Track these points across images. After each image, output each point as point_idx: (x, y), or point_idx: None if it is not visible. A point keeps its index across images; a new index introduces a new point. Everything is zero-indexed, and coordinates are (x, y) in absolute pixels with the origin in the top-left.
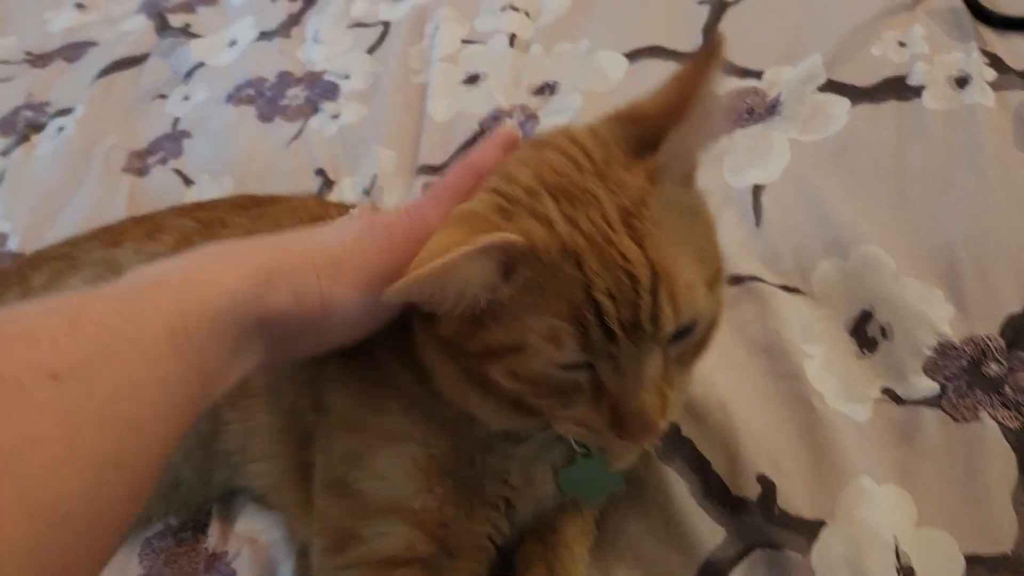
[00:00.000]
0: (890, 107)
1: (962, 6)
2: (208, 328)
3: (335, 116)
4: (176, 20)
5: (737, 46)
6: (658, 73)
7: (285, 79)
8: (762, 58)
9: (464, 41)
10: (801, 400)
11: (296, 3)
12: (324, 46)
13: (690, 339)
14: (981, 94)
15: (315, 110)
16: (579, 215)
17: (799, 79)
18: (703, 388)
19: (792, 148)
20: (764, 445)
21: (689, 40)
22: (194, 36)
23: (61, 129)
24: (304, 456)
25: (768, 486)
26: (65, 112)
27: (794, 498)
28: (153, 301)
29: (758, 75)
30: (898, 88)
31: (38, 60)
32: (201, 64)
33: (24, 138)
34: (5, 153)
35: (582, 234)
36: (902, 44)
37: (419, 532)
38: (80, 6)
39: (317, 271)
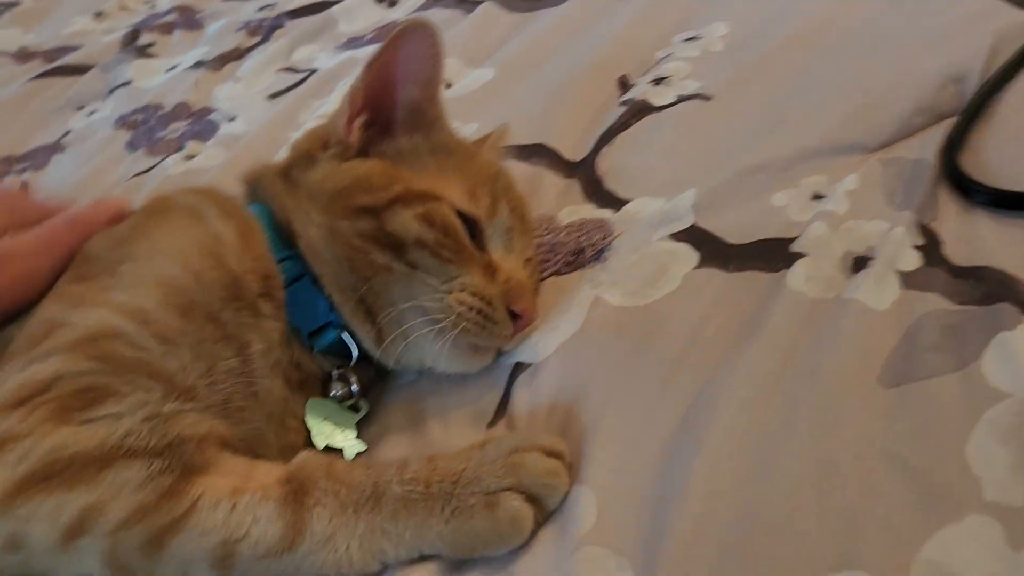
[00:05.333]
0: (744, 279)
1: (931, 161)
2: None
3: (190, 158)
4: (146, 38)
5: (626, 165)
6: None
7: (178, 111)
8: (644, 184)
9: None
10: None
11: (254, 38)
12: (239, 84)
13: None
14: (873, 289)
15: (178, 149)
16: None
17: (653, 218)
18: None
19: (591, 310)
20: None
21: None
22: (150, 56)
23: None
24: None
25: None
26: None
27: None
28: None
29: (621, 204)
30: (772, 254)
31: (24, 58)
32: (127, 83)
33: None
34: None
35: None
36: (818, 197)
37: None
38: (99, 14)
39: None
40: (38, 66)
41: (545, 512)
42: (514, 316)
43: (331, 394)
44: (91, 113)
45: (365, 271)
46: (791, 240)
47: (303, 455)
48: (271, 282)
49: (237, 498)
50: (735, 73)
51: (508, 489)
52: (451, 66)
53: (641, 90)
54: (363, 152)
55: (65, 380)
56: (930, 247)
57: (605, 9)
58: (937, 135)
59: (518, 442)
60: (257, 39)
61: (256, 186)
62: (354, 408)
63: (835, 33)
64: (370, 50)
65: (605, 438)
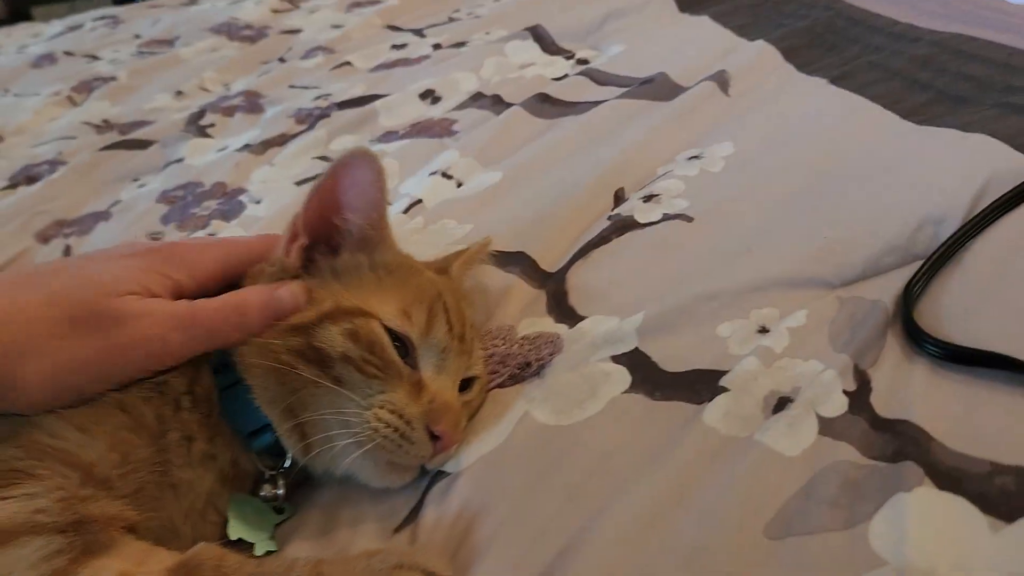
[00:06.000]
0: (667, 409)
1: (887, 304)
2: None
3: (211, 235)
4: (209, 118)
5: (594, 280)
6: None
7: (215, 190)
8: (604, 301)
9: None
10: None
11: (301, 126)
12: (273, 168)
13: (468, 393)
14: (785, 433)
15: (204, 227)
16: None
17: (600, 338)
18: None
19: (518, 426)
20: None
21: (563, 257)
22: (207, 136)
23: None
24: None
25: None
26: (58, 164)
27: None
28: None
29: (578, 320)
30: (701, 386)
31: (103, 129)
32: (180, 160)
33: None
34: None
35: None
36: (764, 330)
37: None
38: (179, 93)
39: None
40: (112, 137)
41: None
42: (436, 436)
43: (260, 494)
44: (142, 186)
45: (294, 384)
46: (723, 373)
47: (200, 545)
48: (200, 385)
49: None
50: (723, 195)
51: None
52: (466, 166)
53: (630, 205)
54: (305, 270)
55: None
56: (859, 394)
57: (625, 121)
58: (902, 277)
59: (403, 559)
60: (304, 127)
61: None
62: (278, 510)
63: (831, 161)
64: (396, 144)
65: (494, 558)
